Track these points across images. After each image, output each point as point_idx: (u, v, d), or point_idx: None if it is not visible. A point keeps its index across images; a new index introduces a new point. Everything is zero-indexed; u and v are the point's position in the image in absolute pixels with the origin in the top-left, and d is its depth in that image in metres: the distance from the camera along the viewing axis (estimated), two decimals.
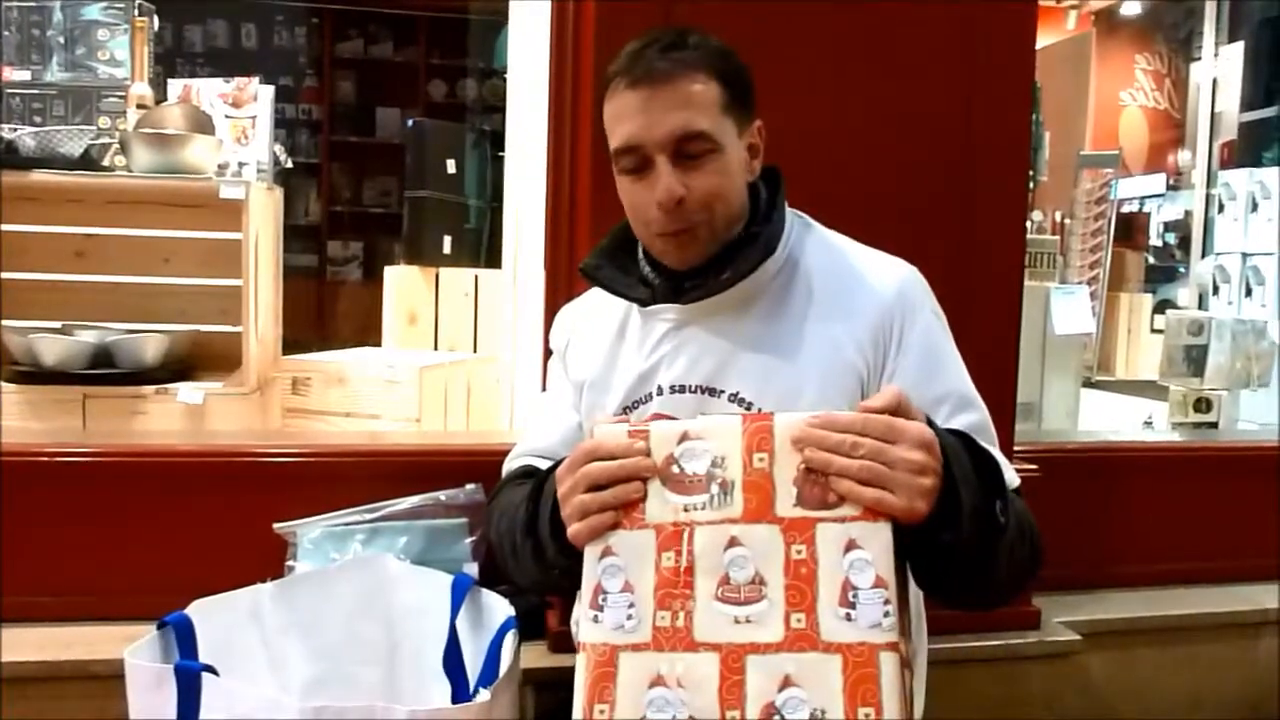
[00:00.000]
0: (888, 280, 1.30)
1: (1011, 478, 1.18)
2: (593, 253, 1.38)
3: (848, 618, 0.98)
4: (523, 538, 1.22)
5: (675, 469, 1.06)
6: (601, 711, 1.01)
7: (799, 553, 1.01)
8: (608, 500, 1.06)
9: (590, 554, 1.07)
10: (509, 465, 1.44)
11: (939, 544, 1.03)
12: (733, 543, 1.03)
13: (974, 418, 1.25)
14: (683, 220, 1.23)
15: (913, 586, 1.12)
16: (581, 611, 1.06)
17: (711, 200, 1.24)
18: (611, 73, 1.25)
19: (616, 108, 1.24)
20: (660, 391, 1.30)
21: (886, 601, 0.97)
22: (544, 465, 1.29)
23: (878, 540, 0.99)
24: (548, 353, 1.51)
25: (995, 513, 1.06)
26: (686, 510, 1.05)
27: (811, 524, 1.01)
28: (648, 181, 1.23)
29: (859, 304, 1.28)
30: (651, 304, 1.31)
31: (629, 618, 1.03)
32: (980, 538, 1.05)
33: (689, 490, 1.05)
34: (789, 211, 1.33)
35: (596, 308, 1.41)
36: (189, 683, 1.13)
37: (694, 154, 1.22)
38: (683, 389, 1.29)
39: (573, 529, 1.08)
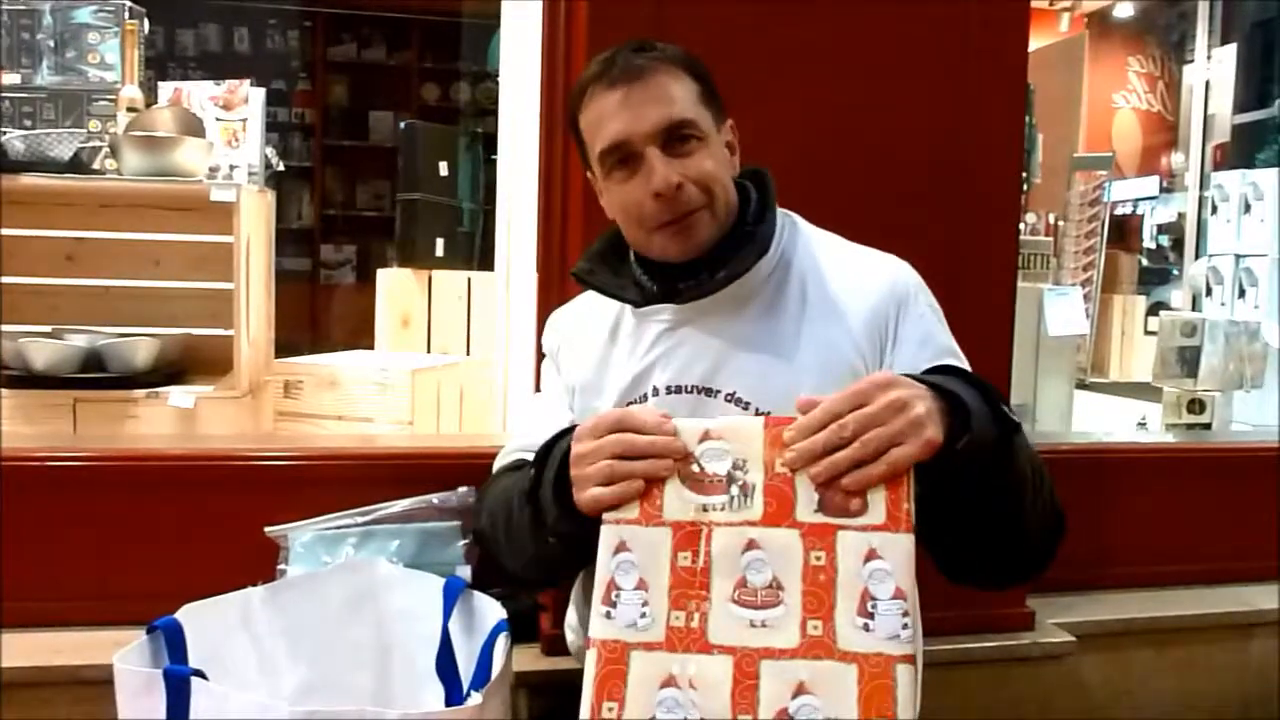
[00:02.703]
0: (880, 277, 1.30)
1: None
2: (584, 256, 1.38)
3: (866, 628, 0.97)
4: (521, 506, 1.20)
5: (695, 467, 1.05)
6: (610, 709, 0.99)
7: (818, 559, 1.00)
8: (638, 470, 1.05)
9: (604, 549, 1.05)
10: (500, 462, 1.43)
11: (973, 467, 1.03)
12: (751, 545, 1.02)
13: None
14: (682, 206, 1.23)
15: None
16: (593, 607, 1.05)
17: (709, 182, 1.24)
18: (584, 81, 1.26)
19: (597, 110, 1.24)
20: (655, 392, 1.29)
21: (905, 614, 0.96)
22: None
23: (899, 551, 0.98)
24: (540, 355, 1.50)
25: (1004, 412, 1.07)
26: (705, 510, 1.04)
27: (832, 531, 1.00)
28: (639, 178, 1.23)
29: (853, 303, 1.28)
30: (645, 305, 1.31)
31: (642, 616, 1.02)
32: (1000, 439, 1.05)
33: (708, 490, 1.05)
34: (779, 211, 1.33)
35: (589, 311, 1.41)
36: (178, 687, 1.12)
37: (683, 139, 1.23)
38: (678, 389, 1.28)
39: (593, 493, 1.07)
